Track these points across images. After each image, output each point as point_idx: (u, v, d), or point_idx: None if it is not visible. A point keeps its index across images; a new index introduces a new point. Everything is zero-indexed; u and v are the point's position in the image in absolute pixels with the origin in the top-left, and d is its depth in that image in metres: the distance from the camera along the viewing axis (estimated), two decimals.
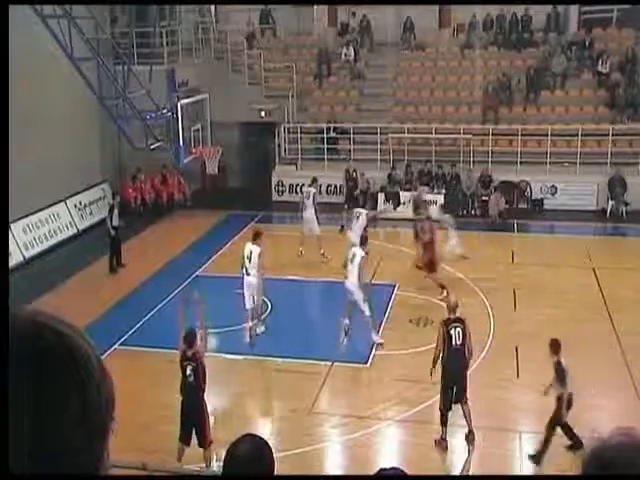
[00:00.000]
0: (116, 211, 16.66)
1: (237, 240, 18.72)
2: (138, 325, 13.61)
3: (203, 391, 9.16)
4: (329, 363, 11.91)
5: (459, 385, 9.76)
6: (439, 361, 9.73)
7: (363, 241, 13.22)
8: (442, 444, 9.66)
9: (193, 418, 9.11)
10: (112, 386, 1.11)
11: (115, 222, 16.54)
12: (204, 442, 9.00)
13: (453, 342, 9.61)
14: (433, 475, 9.20)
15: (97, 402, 1.05)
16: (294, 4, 25.32)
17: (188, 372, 9.09)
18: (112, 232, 16.49)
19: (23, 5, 14.95)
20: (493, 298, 14.35)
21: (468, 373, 9.92)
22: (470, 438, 9.77)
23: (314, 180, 18.16)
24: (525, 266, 16.31)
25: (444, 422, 9.67)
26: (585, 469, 1.64)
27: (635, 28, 23.32)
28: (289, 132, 22.48)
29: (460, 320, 9.76)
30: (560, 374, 9.12)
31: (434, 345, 9.78)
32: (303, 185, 21.65)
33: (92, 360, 1.07)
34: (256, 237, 12.76)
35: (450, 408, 9.75)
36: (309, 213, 16.89)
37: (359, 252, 12.41)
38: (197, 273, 16.20)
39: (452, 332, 9.63)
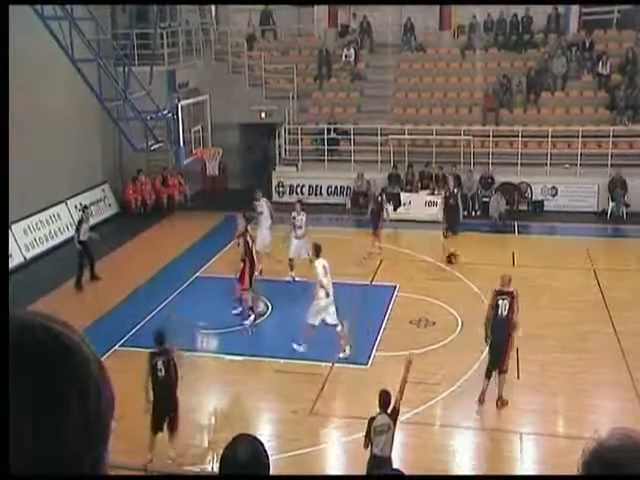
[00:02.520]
0: (85, 225, 15.97)
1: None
2: (139, 326, 13.60)
3: (176, 386, 9.31)
4: (329, 364, 11.91)
5: (499, 353, 10.38)
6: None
7: (319, 251, 12.42)
8: (481, 400, 10.52)
9: (167, 412, 9.34)
10: (111, 387, 1.11)
11: (83, 236, 15.76)
12: (174, 432, 9.32)
13: (499, 312, 10.26)
14: (433, 475, 9.21)
15: (98, 404, 1.05)
16: (293, 4, 25.29)
17: (159, 366, 9.24)
18: (78, 246, 15.68)
19: (23, 6, 14.97)
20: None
21: (512, 345, 10.51)
22: (499, 404, 10.42)
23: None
24: (525, 267, 16.30)
25: (484, 386, 10.49)
26: (585, 470, 1.65)
27: (635, 29, 23.34)
28: (289, 133, 22.49)
29: (509, 293, 10.35)
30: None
31: (435, 346, 9.84)
32: (304, 186, 21.71)
33: (91, 362, 1.07)
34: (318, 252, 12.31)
35: (489, 376, 10.43)
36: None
37: (319, 262, 12.12)
38: (197, 274, 16.20)
39: (500, 302, 10.27)
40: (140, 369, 11.91)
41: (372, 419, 8.00)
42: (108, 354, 12.44)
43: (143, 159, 20.79)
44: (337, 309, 12.11)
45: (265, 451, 2.60)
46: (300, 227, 15.36)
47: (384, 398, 7.92)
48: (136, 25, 20.73)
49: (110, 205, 21.41)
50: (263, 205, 16.33)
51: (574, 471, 1.58)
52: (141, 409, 10.37)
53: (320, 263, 12.03)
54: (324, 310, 11.95)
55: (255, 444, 2.63)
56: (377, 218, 17.00)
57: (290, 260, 15.32)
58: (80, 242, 15.75)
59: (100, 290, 15.52)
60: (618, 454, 1.58)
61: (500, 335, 10.33)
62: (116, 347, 12.74)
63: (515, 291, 10.42)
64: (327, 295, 11.90)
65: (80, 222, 16.17)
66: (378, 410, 7.94)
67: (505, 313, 10.24)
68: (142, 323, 13.73)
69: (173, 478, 8.86)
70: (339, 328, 12.04)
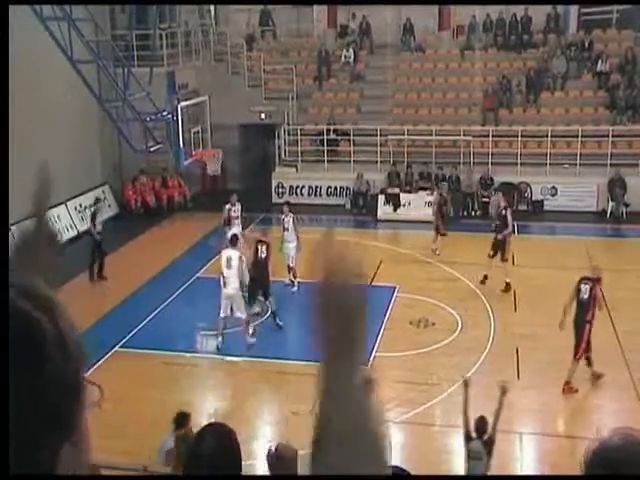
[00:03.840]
0: (99, 218, 16.48)
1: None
2: (140, 326, 13.61)
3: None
4: None
5: (577, 337, 10.70)
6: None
7: (234, 241, 12.76)
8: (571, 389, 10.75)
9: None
10: (79, 368, 1.01)
11: (99, 227, 16.28)
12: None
13: (580, 296, 10.71)
14: (433, 475, 9.20)
15: (51, 385, 0.95)
16: (293, 4, 25.29)
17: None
18: (98, 237, 16.11)
19: (23, 6, 14.98)
20: (493, 299, 14.36)
21: (587, 333, 10.73)
22: (565, 389, 10.79)
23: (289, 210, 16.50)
24: (525, 267, 16.30)
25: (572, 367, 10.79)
26: (588, 470, 1.65)
27: (634, 29, 23.35)
28: (289, 134, 22.51)
29: (592, 279, 10.75)
30: None
31: (435, 347, 9.84)
32: (303, 187, 21.71)
33: (48, 337, 0.96)
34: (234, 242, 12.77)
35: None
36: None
37: (235, 255, 12.43)
38: (198, 275, 16.20)
39: (581, 287, 10.73)
40: (140, 370, 11.98)
41: (468, 439, 7.72)
42: (108, 355, 12.47)
43: (143, 160, 20.79)
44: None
45: (233, 438, 2.48)
46: (287, 229, 15.23)
47: (480, 424, 7.66)
48: (135, 26, 20.75)
49: (110, 206, 21.41)
50: (290, 222, 15.35)
51: (575, 471, 1.58)
52: (142, 410, 10.40)
53: (225, 254, 12.47)
54: (229, 299, 12.30)
55: (220, 434, 2.52)
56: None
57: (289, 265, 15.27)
58: (99, 233, 16.21)
59: (100, 291, 15.53)
60: (620, 454, 1.58)
61: (579, 318, 10.76)
62: (116, 348, 12.75)
63: (599, 278, 10.81)
64: (224, 285, 12.23)
65: (94, 215, 16.55)
66: (474, 435, 7.69)
67: (586, 296, 10.64)
68: (142, 324, 13.75)
69: (173, 478, 8.85)
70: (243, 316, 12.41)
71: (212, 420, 9.83)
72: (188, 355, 12.61)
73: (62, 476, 1.02)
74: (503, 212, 15.21)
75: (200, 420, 10.59)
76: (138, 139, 18.27)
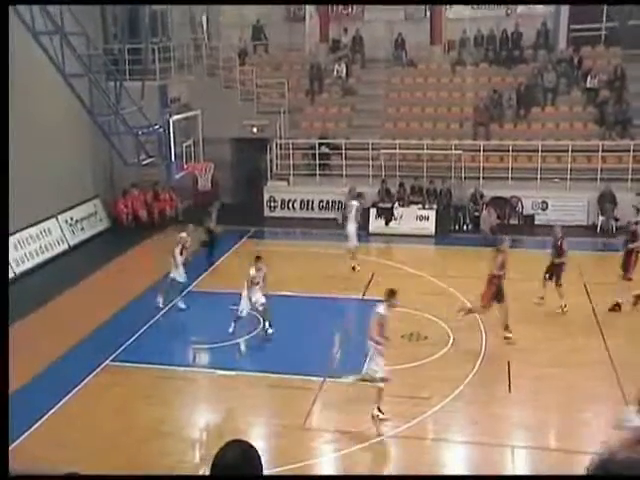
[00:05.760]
0: (213, 215, 17.82)
1: (230, 255, 18.78)
2: (130, 341, 13.59)
3: None
4: (321, 379, 11.93)
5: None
6: None
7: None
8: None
9: None
10: None
11: (212, 224, 17.68)
12: None
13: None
14: (432, 475, 9.23)
15: None
16: (293, 4, 25.19)
17: None
18: (219, 230, 17.72)
19: (15, 20, 15.03)
20: (489, 315, 14.40)
21: None
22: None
23: (359, 194, 18.40)
24: (516, 281, 16.38)
25: None
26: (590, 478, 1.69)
27: (622, 47, 23.63)
28: (281, 148, 22.61)
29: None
30: None
31: (426, 361, 9.82)
32: (295, 201, 21.82)
33: None
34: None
35: None
36: (351, 227, 17.11)
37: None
38: (190, 289, 16.20)
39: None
40: (132, 383, 11.95)
41: None
42: (99, 369, 12.44)
43: (134, 173, 20.82)
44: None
45: (257, 455, 2.58)
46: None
47: None
48: (128, 40, 20.84)
49: (101, 220, 21.43)
50: (353, 205, 17.26)
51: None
52: (135, 424, 10.38)
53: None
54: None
55: (245, 448, 2.62)
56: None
57: None
58: (210, 231, 17.46)
59: (91, 304, 15.49)
60: (624, 469, 1.62)
61: None
62: (107, 362, 12.73)
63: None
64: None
65: (210, 213, 17.81)
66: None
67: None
68: (133, 338, 13.73)
69: (173, 478, 8.86)
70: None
71: (204, 435, 9.80)
72: (178, 369, 12.60)
73: (62, 476, 1.05)
74: (559, 242, 14.73)
75: (193, 435, 10.61)
76: (130, 152, 18.31)
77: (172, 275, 15.16)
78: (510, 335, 13.22)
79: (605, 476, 1.69)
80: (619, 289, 14.57)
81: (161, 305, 15.06)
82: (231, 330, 13.33)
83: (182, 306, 15.18)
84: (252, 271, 13.27)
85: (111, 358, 12.87)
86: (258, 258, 13.53)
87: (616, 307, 14.56)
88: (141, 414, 11.05)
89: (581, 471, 1.77)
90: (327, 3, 25.89)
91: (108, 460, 9.48)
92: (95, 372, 12.36)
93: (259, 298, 13.35)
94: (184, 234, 15.46)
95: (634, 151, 20.31)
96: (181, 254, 15.14)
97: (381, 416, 10.57)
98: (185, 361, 13.04)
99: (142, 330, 14.07)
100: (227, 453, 2.57)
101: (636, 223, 15.32)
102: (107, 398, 11.55)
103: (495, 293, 13.17)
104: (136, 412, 11.11)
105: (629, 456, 1.70)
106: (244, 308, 13.35)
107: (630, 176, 20.23)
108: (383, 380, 10.52)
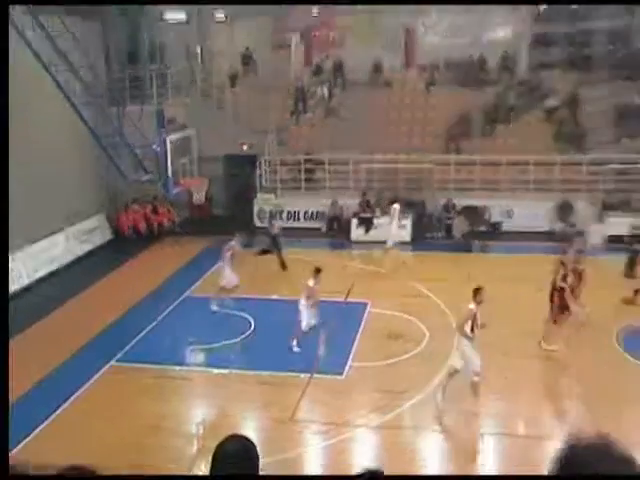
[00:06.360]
0: (273, 222, 18.30)
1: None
2: (132, 343, 13.59)
3: None
4: (308, 375, 11.98)
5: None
6: None
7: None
8: None
9: None
10: None
11: (273, 231, 17.85)
12: None
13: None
14: (431, 475, 9.26)
15: None
16: (293, 4, 24.94)
17: None
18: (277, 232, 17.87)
19: (27, 52, 15.07)
20: (458, 313, 14.51)
21: None
22: None
23: (395, 200, 18.95)
24: (487, 284, 16.51)
25: None
26: (557, 467, 1.70)
27: (577, 71, 24.03)
28: (269, 164, 22.69)
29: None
30: None
31: (404, 357, 9.88)
32: (282, 212, 21.91)
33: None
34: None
35: None
36: (392, 227, 17.71)
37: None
38: (186, 294, 16.22)
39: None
40: (137, 382, 11.94)
41: None
42: (104, 370, 12.43)
43: (135, 190, 20.81)
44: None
45: (255, 449, 2.61)
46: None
47: None
48: (128, 66, 20.88)
49: (105, 232, 21.38)
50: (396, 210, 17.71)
51: (538, 467, 1.66)
52: (134, 422, 10.37)
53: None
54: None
55: (244, 441, 2.65)
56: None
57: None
58: (274, 235, 17.83)
59: (95, 309, 15.46)
60: (589, 455, 1.66)
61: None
62: (112, 362, 12.72)
63: None
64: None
65: (271, 218, 18.44)
66: None
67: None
68: (136, 339, 13.73)
69: (172, 478, 8.84)
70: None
71: (200, 429, 9.81)
72: (178, 368, 12.61)
73: (66, 477, 1.08)
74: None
75: (189, 430, 10.62)
76: (130, 170, 18.34)
77: (222, 284, 14.62)
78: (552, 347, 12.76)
79: (605, 476, 1.72)
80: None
81: (216, 308, 14.69)
82: (296, 349, 12.83)
83: (215, 308, 14.75)
84: (311, 282, 12.69)
85: (116, 358, 12.86)
86: (318, 270, 12.84)
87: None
88: (142, 411, 11.05)
89: (549, 457, 1.80)
90: (329, 3, 25.36)
91: (110, 455, 9.44)
92: (101, 372, 12.34)
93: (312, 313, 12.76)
94: (233, 242, 14.97)
95: (587, 164, 20.59)
96: (231, 260, 14.64)
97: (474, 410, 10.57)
98: (183, 361, 13.04)
99: (143, 333, 14.06)
100: (228, 445, 2.59)
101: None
102: (112, 396, 11.54)
103: (560, 306, 12.72)
104: (137, 409, 11.11)
105: (593, 443, 1.70)
106: (306, 320, 12.70)
107: (584, 187, 20.49)
108: (477, 374, 10.53)
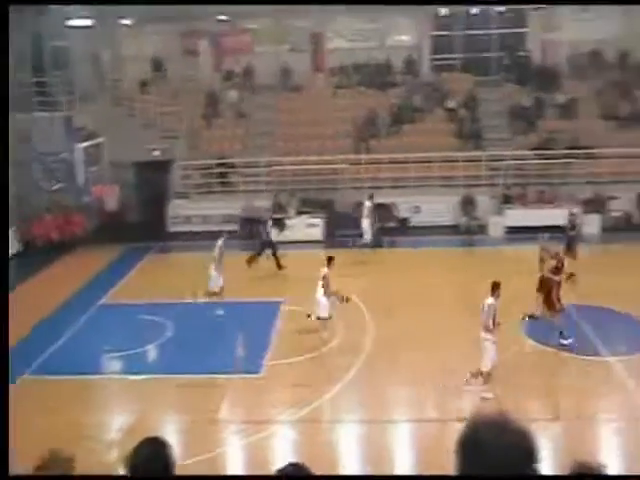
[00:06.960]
0: (269, 226, 17.84)
1: (139, 268, 18.55)
2: (45, 355, 13.22)
3: None
4: (226, 376, 12.03)
5: None
6: None
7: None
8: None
9: None
10: None
11: (268, 237, 17.53)
12: None
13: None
14: (430, 475, 9.38)
15: None
16: (293, 4, 24.59)
17: None
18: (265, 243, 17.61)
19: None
20: (370, 307, 14.90)
21: None
22: None
23: (371, 195, 19.27)
24: (395, 277, 17.03)
25: None
26: (460, 447, 1.80)
27: (473, 73, 25.12)
28: (182, 169, 22.50)
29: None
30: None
31: (316, 353, 10.03)
32: (196, 216, 21.77)
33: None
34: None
35: None
36: (364, 223, 18.42)
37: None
38: (101, 302, 15.91)
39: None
40: (49, 395, 11.63)
41: None
42: (17, 382, 12.04)
43: (46, 199, 20.17)
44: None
45: (169, 449, 2.65)
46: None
47: None
48: (33, 74, 20.21)
49: (13, 244, 20.58)
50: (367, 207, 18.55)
51: (441, 450, 1.77)
52: (54, 432, 10.11)
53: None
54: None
55: (156, 444, 2.70)
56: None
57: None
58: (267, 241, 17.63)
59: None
60: (489, 431, 1.75)
61: None
62: (24, 376, 12.33)
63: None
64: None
65: (265, 224, 17.98)
66: None
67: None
68: (50, 350, 13.37)
69: (172, 478, 8.65)
70: None
71: (119, 436, 9.65)
72: (94, 377, 12.38)
73: (66, 476, 1.15)
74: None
75: (108, 437, 10.47)
76: (41, 179, 17.80)
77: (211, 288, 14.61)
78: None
79: (607, 476, 1.71)
80: None
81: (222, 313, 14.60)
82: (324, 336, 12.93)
83: (220, 312, 14.67)
84: (325, 269, 12.83)
85: (28, 372, 12.47)
86: (330, 258, 13.09)
87: None
88: (60, 420, 10.79)
89: (454, 437, 1.90)
90: (325, 4, 24.97)
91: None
92: (11, 387, 11.94)
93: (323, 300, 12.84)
94: (220, 242, 14.90)
95: (486, 161, 21.56)
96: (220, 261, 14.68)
97: (489, 396, 10.77)
98: (99, 370, 12.81)
99: (58, 343, 13.71)
100: (140, 451, 2.63)
101: None
102: (24, 409, 11.21)
103: (550, 295, 12.53)
104: (55, 420, 10.85)
105: (491, 421, 1.78)
106: (324, 310, 12.78)
107: (484, 182, 21.44)
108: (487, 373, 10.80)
